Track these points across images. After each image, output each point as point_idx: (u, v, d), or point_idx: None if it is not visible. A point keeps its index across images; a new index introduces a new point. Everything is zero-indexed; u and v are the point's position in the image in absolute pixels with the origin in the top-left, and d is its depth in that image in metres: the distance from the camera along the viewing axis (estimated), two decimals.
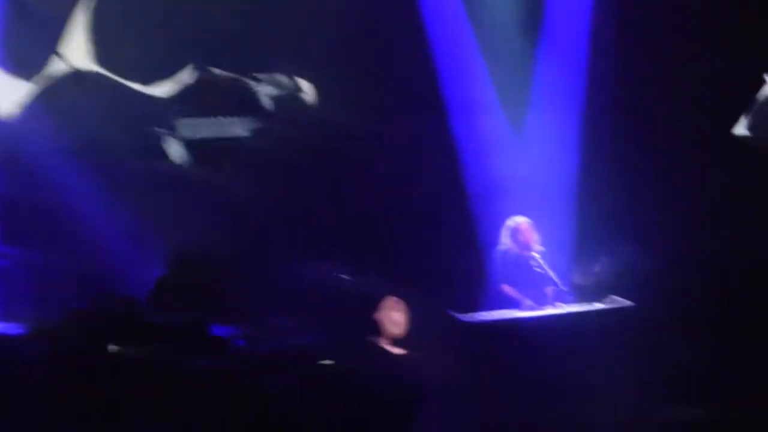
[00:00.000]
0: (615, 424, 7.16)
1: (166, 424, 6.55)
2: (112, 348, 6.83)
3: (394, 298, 8.43)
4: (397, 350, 8.28)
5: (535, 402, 7.32)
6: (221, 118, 9.80)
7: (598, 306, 8.08)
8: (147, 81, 9.61)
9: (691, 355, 8.13)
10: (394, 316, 8.15)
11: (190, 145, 9.83)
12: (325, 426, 6.92)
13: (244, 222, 9.48)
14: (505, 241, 8.46)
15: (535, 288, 8.25)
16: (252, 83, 9.87)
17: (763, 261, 8.97)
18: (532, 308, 8.06)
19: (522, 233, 8.39)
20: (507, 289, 8.31)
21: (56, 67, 9.47)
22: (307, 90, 9.87)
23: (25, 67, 9.43)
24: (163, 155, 9.77)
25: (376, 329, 8.15)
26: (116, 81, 9.49)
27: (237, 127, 9.84)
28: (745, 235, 9.13)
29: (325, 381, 7.49)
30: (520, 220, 8.43)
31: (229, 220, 9.41)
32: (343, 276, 9.14)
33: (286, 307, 8.83)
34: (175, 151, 9.77)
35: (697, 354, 8.17)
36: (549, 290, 8.22)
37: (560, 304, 8.02)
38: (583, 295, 8.50)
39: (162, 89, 9.68)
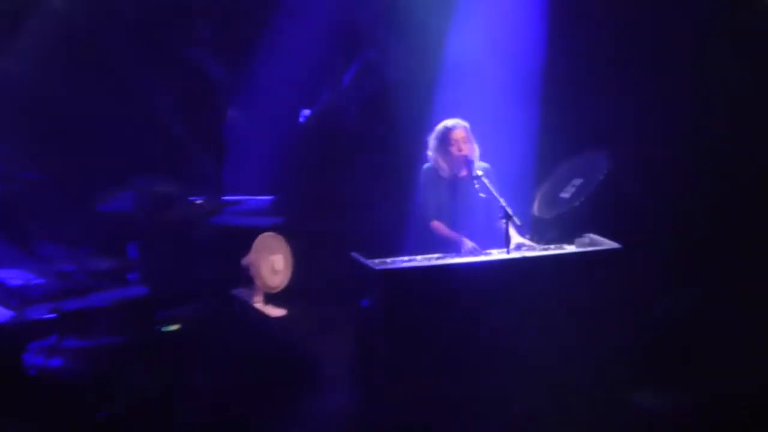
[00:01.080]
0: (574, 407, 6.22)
1: None
2: None
3: (273, 236, 8.04)
4: (274, 310, 7.89)
5: (469, 378, 6.28)
6: None
7: (569, 249, 6.66)
8: None
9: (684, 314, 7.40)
10: (271, 261, 7.78)
11: None
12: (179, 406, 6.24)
13: (54, 117, 8.62)
14: (433, 155, 7.05)
15: (477, 222, 6.94)
16: None
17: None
18: (473, 252, 6.68)
19: (457, 143, 6.93)
20: (437, 225, 6.95)
21: None
22: None
23: None
24: None
25: (245, 279, 7.79)
26: None
27: None
28: (745, 139, 8.08)
29: (172, 351, 6.91)
30: (451, 124, 7.02)
31: (32, 113, 8.57)
32: (198, 202, 8.51)
33: (109, 243, 8.11)
34: None
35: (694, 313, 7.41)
36: (498, 225, 6.65)
37: (516, 239, 6.69)
38: (545, 232, 7.45)
39: None
